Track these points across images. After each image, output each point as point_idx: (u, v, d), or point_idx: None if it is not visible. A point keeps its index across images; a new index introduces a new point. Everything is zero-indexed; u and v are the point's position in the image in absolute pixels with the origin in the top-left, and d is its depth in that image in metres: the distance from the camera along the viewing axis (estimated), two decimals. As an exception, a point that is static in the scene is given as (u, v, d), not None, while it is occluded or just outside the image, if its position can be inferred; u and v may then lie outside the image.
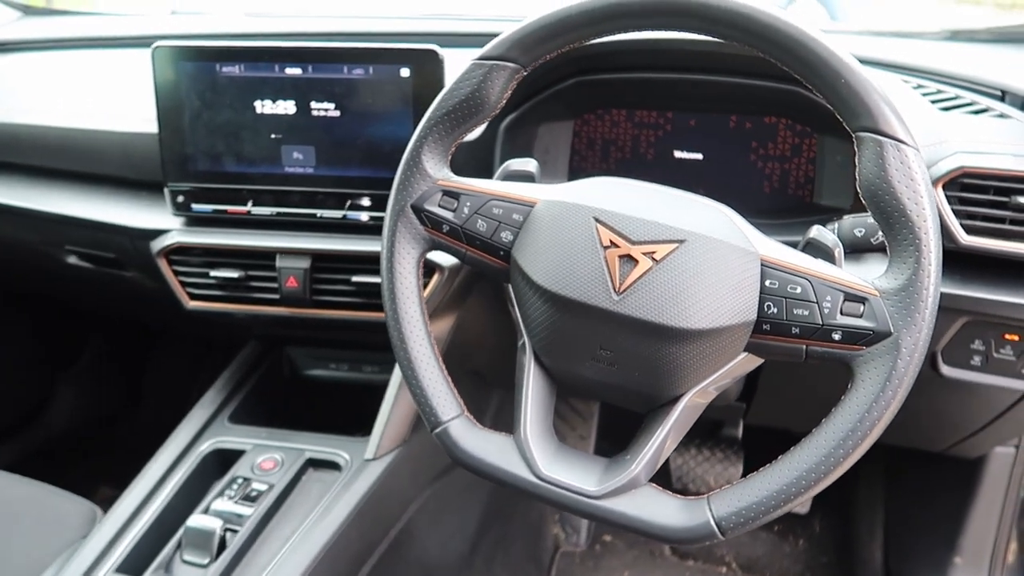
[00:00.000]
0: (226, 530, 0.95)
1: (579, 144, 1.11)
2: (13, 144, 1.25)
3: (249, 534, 0.96)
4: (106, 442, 1.96)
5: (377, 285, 1.05)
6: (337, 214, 1.06)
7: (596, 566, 1.61)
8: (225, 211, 1.08)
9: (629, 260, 0.69)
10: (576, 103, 1.06)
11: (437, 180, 0.78)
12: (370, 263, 1.05)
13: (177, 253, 1.10)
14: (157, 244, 1.11)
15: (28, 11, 1.64)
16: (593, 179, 0.77)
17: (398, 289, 0.78)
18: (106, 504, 1.09)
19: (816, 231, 0.73)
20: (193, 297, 1.12)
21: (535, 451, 0.73)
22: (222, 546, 0.94)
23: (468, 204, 0.77)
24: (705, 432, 1.62)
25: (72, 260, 1.29)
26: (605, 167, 1.11)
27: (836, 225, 0.81)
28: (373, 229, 1.06)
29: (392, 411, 1.07)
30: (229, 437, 1.11)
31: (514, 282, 0.77)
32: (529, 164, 0.82)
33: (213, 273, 1.09)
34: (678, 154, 1.08)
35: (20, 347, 1.82)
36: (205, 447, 1.09)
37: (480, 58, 0.75)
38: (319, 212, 1.06)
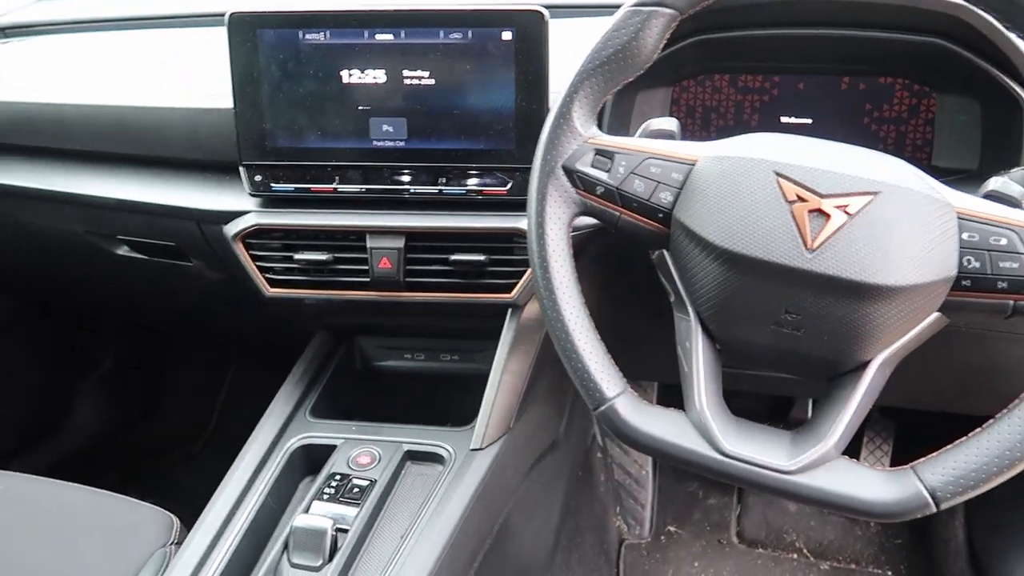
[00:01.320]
0: (337, 530, 0.88)
1: (677, 112, 1.06)
2: (60, 127, 1.16)
3: (360, 533, 0.89)
4: (131, 448, 1.86)
5: (477, 263, 0.99)
6: (432, 189, 0.99)
7: (664, 558, 1.56)
8: (308, 189, 1.01)
9: (820, 215, 0.64)
10: (680, 68, 1.01)
11: (588, 138, 0.73)
12: (469, 240, 0.99)
13: (255, 236, 1.03)
14: (232, 228, 1.03)
15: (44, -7, 1.55)
16: (754, 135, 0.72)
17: (550, 256, 0.72)
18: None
19: (998, 182, 0.69)
20: (273, 284, 1.04)
21: (716, 426, 0.68)
22: (332, 547, 0.87)
23: (623, 164, 0.72)
24: (771, 410, 1.57)
25: (123, 251, 1.21)
26: (705, 135, 1.06)
27: (1006, 177, 0.77)
28: (470, 204, 0.99)
29: (496, 398, 1.00)
30: (315, 432, 1.04)
31: (677, 246, 0.71)
32: (670, 123, 0.77)
33: (298, 256, 1.01)
34: (784, 119, 1.03)
35: (41, 356, 1.73)
36: (292, 443, 1.02)
37: (636, 4, 0.70)
38: (412, 188, 1.00)
